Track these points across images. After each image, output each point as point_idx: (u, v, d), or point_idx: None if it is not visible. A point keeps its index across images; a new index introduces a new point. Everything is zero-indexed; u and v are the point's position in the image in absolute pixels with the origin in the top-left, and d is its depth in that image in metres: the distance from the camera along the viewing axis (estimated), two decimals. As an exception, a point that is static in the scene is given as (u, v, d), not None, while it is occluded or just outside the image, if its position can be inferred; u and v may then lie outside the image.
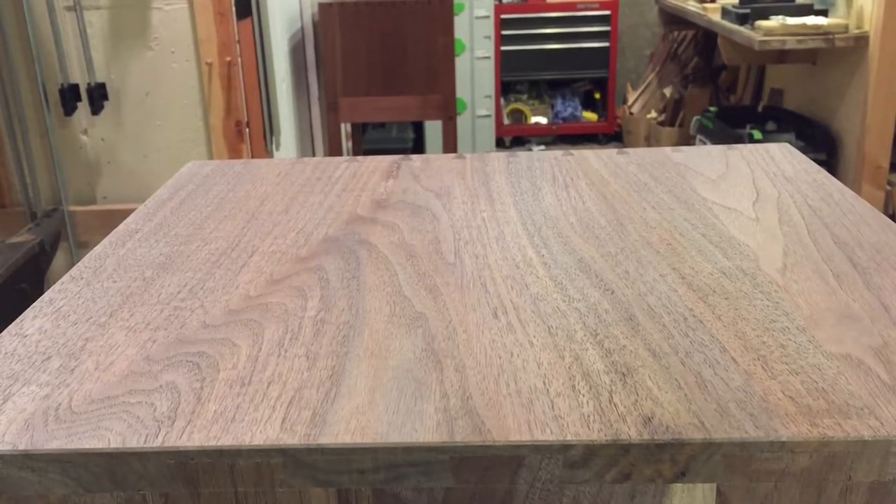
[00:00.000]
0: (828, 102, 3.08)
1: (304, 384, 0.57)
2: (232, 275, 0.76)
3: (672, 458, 0.50)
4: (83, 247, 2.23)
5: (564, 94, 4.87)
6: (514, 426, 0.52)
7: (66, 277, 0.77)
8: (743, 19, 3.07)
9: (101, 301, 0.72)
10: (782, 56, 3.14)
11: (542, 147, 4.69)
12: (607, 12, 4.60)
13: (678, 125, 4.17)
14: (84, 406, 0.56)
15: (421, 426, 0.52)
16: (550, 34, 4.65)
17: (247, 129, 2.25)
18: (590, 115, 4.82)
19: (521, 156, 1.09)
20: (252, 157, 2.30)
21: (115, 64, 2.15)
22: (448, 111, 2.86)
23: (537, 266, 0.75)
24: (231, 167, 1.08)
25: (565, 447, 0.50)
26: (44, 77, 2.11)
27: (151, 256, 0.81)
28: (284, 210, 0.92)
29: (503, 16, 4.55)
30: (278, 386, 0.57)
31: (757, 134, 3.07)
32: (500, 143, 4.71)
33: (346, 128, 3.35)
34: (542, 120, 4.79)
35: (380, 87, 2.83)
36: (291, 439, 0.51)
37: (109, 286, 0.75)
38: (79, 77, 2.14)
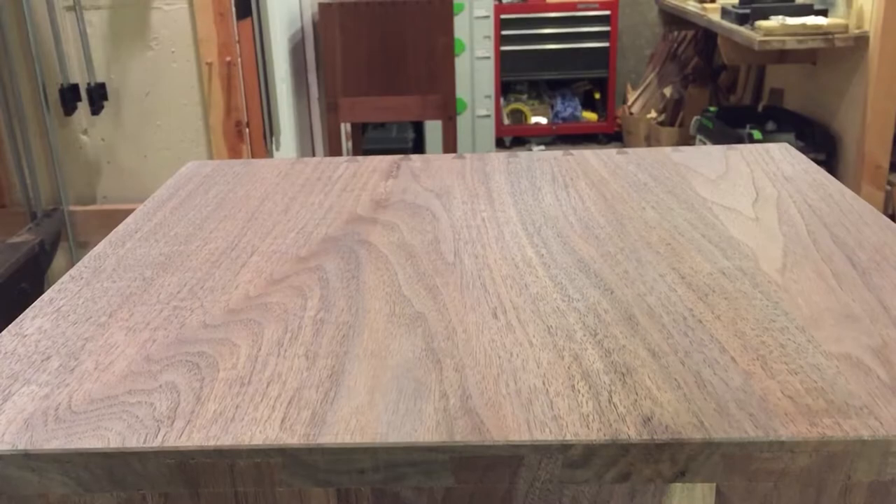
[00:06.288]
0: (828, 102, 3.08)
1: (303, 384, 0.57)
2: (232, 275, 0.76)
3: (671, 457, 0.50)
4: (83, 247, 2.23)
5: (564, 94, 4.87)
6: (513, 426, 0.52)
7: (65, 277, 0.77)
8: (743, 19, 3.07)
9: (101, 301, 0.72)
10: (782, 56, 3.13)
11: (542, 147, 4.69)
12: (607, 12, 4.60)
13: (678, 125, 4.17)
14: (84, 406, 0.56)
15: (421, 426, 0.52)
16: (550, 34, 4.65)
17: (247, 129, 2.25)
18: (590, 115, 4.82)
19: (521, 156, 1.09)
20: (252, 157, 2.30)
21: (115, 64, 2.15)
22: (448, 111, 2.86)
23: (537, 266, 0.75)
24: (231, 167, 1.08)
25: (565, 447, 0.50)
26: (44, 77, 2.11)
27: (151, 256, 0.81)
28: (284, 210, 0.92)
29: (503, 16, 4.55)
30: (278, 386, 0.57)
31: (757, 134, 3.07)
32: (500, 143, 4.71)
33: (346, 128, 3.35)
34: (542, 120, 4.79)
35: (380, 87, 2.83)
36: (291, 439, 0.51)
37: (109, 286, 0.75)
38: (79, 77, 2.14)
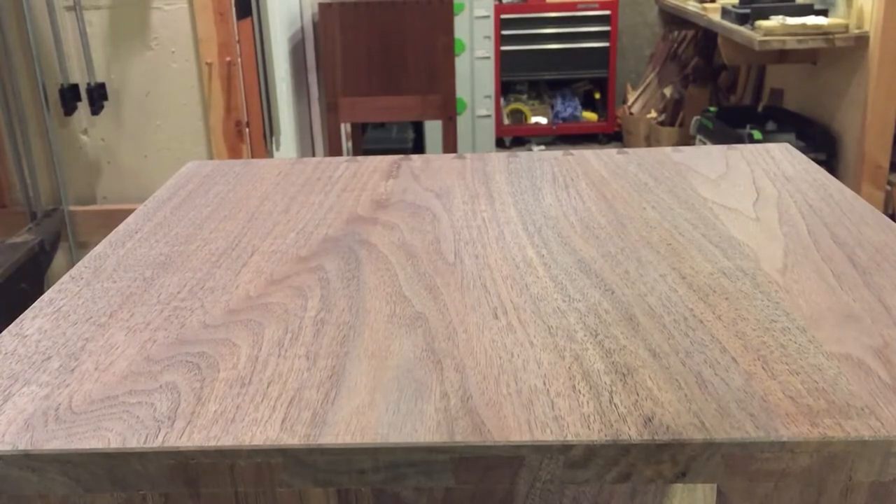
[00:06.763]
0: (828, 102, 3.08)
1: (304, 384, 0.57)
2: (232, 275, 0.76)
3: (672, 458, 0.50)
4: (83, 247, 2.23)
5: (564, 94, 4.87)
6: (514, 426, 0.52)
7: (66, 277, 0.77)
8: (743, 19, 3.07)
9: (101, 301, 0.72)
10: (782, 56, 3.14)
11: (542, 147, 4.69)
12: (607, 12, 4.60)
13: (678, 125, 4.17)
14: (84, 406, 0.56)
15: (421, 426, 0.52)
16: (550, 34, 4.65)
17: (247, 129, 2.25)
18: (590, 115, 4.82)
19: (521, 156, 1.09)
20: (252, 157, 2.30)
21: (115, 64, 2.15)
22: (448, 111, 2.86)
23: (537, 266, 0.75)
24: (231, 167, 1.08)
25: (566, 447, 0.50)
26: (44, 77, 2.11)
27: (151, 256, 0.81)
28: (284, 210, 0.92)
29: (503, 16, 4.55)
30: (278, 386, 0.57)
31: (757, 134, 3.07)
32: (500, 143, 4.71)
33: (346, 128, 3.35)
34: (542, 120, 4.79)
35: (380, 87, 2.83)
36: (291, 439, 0.51)
37: (109, 286, 0.75)
38: (79, 77, 2.14)
